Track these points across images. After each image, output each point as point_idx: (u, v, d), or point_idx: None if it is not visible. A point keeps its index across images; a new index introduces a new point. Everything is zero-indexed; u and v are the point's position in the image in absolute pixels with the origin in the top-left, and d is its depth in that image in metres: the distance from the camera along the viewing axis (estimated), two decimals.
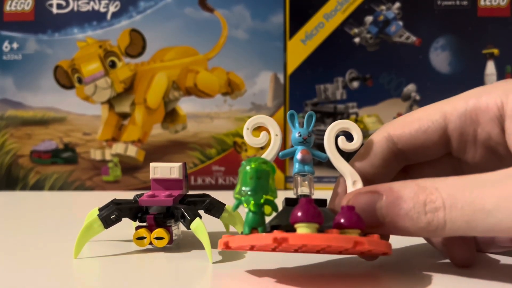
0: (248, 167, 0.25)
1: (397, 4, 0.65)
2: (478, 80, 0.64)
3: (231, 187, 0.66)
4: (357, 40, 0.65)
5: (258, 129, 0.30)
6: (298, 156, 0.29)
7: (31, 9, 0.66)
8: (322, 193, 0.30)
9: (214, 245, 0.32)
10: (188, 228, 0.32)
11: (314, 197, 0.28)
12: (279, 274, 0.28)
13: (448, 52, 0.65)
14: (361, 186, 0.28)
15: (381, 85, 0.65)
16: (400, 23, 0.65)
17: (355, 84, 0.65)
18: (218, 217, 0.34)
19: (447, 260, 0.30)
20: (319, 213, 0.24)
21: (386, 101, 0.65)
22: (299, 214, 0.24)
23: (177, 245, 0.34)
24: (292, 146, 0.30)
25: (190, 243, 0.35)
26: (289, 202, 0.28)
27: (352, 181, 0.29)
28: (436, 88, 0.65)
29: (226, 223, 0.37)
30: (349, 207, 0.25)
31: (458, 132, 0.28)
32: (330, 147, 0.29)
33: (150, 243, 0.33)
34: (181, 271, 0.29)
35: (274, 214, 0.26)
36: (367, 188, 0.27)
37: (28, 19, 0.66)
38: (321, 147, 0.30)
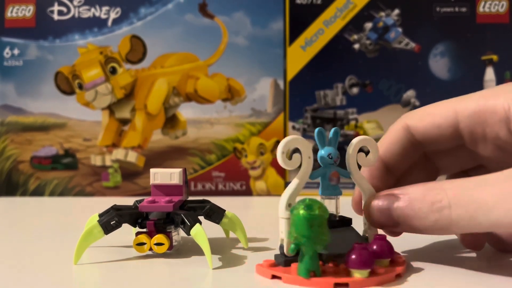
0: (302, 212, 0.25)
1: (397, 11, 0.65)
2: (477, 86, 0.64)
3: (231, 193, 0.66)
4: (356, 46, 0.65)
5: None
6: (329, 179, 0.29)
7: (32, 15, 0.66)
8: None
9: (214, 251, 0.33)
10: (188, 234, 0.32)
11: (340, 214, 0.30)
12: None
13: (447, 58, 0.65)
14: None
15: (380, 91, 0.65)
16: (400, 29, 0.65)
17: (355, 90, 0.65)
18: (218, 223, 0.34)
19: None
20: (372, 259, 0.26)
21: (386, 107, 0.65)
22: (355, 259, 0.26)
23: (177, 251, 0.34)
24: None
25: (190, 249, 0.35)
26: None
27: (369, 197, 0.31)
28: (436, 94, 0.65)
29: (226, 229, 0.38)
30: (380, 236, 0.29)
31: (468, 130, 0.30)
32: (352, 163, 0.30)
33: (150, 249, 0.33)
34: (181, 277, 0.29)
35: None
36: (385, 192, 0.29)
37: (29, 26, 0.66)
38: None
